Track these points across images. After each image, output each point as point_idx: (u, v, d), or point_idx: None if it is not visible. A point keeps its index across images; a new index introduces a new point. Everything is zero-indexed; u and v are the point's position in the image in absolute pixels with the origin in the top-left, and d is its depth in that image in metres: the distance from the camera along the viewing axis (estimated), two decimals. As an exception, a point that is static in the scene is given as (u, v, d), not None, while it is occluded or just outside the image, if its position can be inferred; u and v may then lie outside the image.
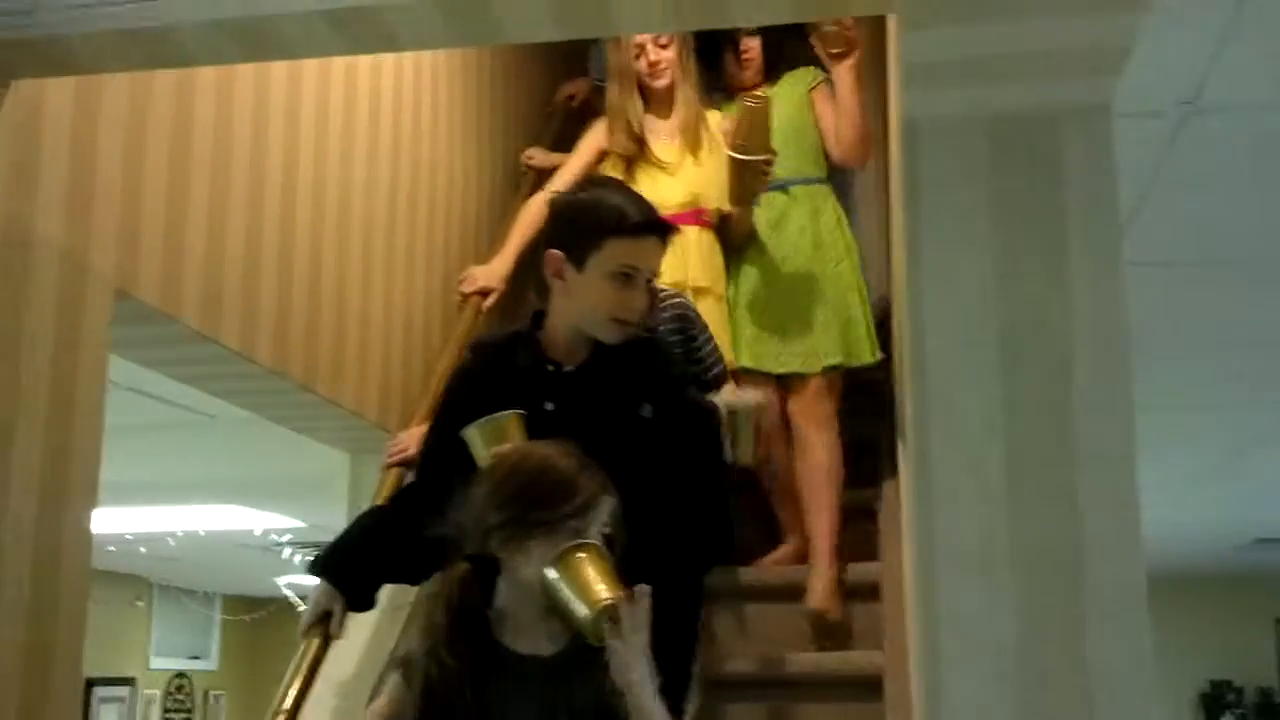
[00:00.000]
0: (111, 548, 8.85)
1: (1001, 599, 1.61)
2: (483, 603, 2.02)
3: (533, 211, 3.86)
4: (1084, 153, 1.77)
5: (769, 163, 3.67)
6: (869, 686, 3.61)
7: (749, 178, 3.70)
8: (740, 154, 3.65)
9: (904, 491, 1.96)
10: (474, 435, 2.37)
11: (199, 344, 2.85)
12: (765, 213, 3.97)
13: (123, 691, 11.20)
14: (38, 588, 2.34)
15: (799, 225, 3.97)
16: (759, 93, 3.78)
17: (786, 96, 4.04)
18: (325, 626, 2.61)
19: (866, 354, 3.92)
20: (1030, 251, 1.73)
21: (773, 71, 4.13)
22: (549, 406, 2.46)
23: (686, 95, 3.97)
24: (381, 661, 3.39)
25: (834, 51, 3.83)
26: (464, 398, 2.56)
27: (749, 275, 3.99)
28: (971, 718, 1.56)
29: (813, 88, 4.08)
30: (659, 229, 2.49)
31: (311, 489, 6.43)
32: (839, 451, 3.93)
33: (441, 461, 2.52)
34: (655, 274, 2.55)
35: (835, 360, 3.89)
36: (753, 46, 4.06)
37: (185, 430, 5.25)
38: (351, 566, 2.60)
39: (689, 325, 3.21)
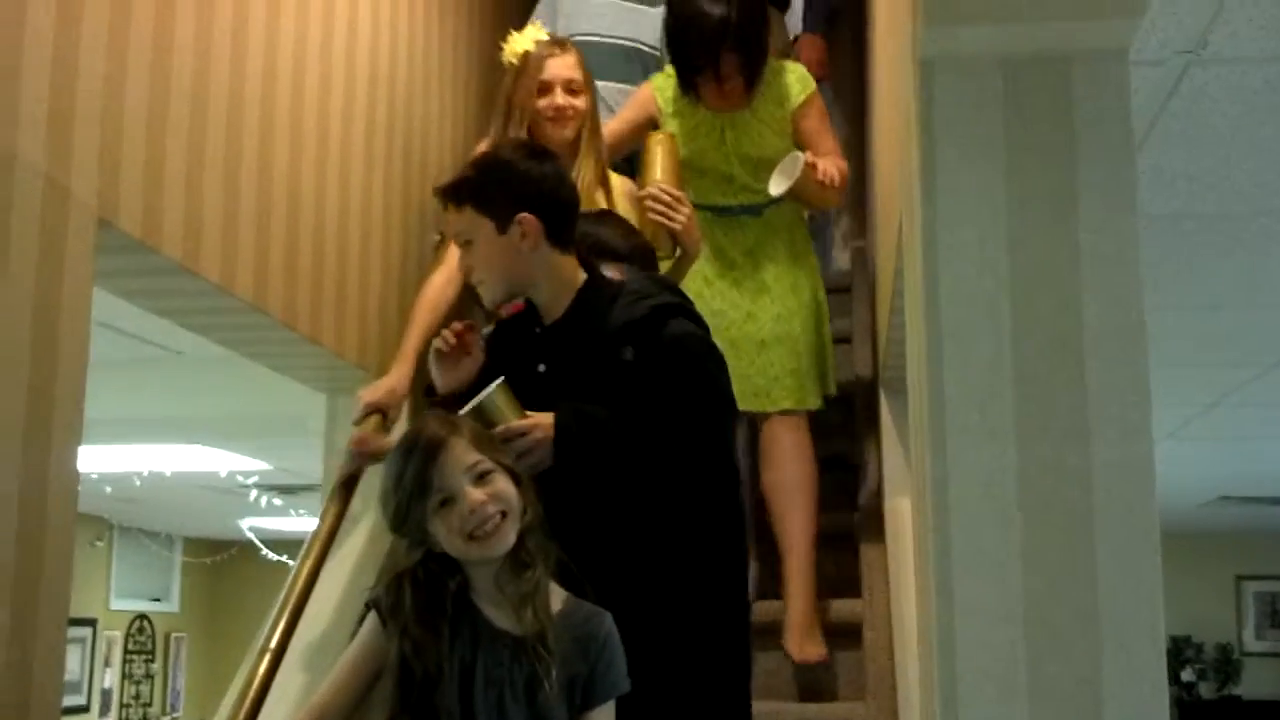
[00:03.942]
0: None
1: (1011, 538, 1.59)
2: (452, 571, 2.01)
3: (436, 295, 3.36)
4: (1099, 96, 1.74)
5: (670, 201, 3.24)
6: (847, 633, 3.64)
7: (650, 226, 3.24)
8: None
9: (912, 433, 1.94)
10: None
11: (180, 276, 2.79)
12: (739, 239, 3.82)
13: (84, 632, 11.15)
14: (24, 526, 2.29)
15: (771, 252, 3.82)
16: (662, 133, 3.53)
17: (764, 119, 3.76)
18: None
19: (831, 385, 3.87)
20: (1043, 191, 1.71)
21: (753, 91, 3.71)
22: (541, 369, 2.42)
23: (594, 153, 3.41)
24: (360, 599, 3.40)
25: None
26: (490, 356, 2.55)
27: (721, 307, 3.74)
28: (983, 661, 1.55)
29: (797, 107, 3.76)
30: None
31: (280, 430, 6.37)
32: (813, 461, 3.77)
33: None
34: None
35: (817, 405, 3.81)
36: (730, 61, 3.61)
37: (153, 367, 5.18)
38: None
39: None
